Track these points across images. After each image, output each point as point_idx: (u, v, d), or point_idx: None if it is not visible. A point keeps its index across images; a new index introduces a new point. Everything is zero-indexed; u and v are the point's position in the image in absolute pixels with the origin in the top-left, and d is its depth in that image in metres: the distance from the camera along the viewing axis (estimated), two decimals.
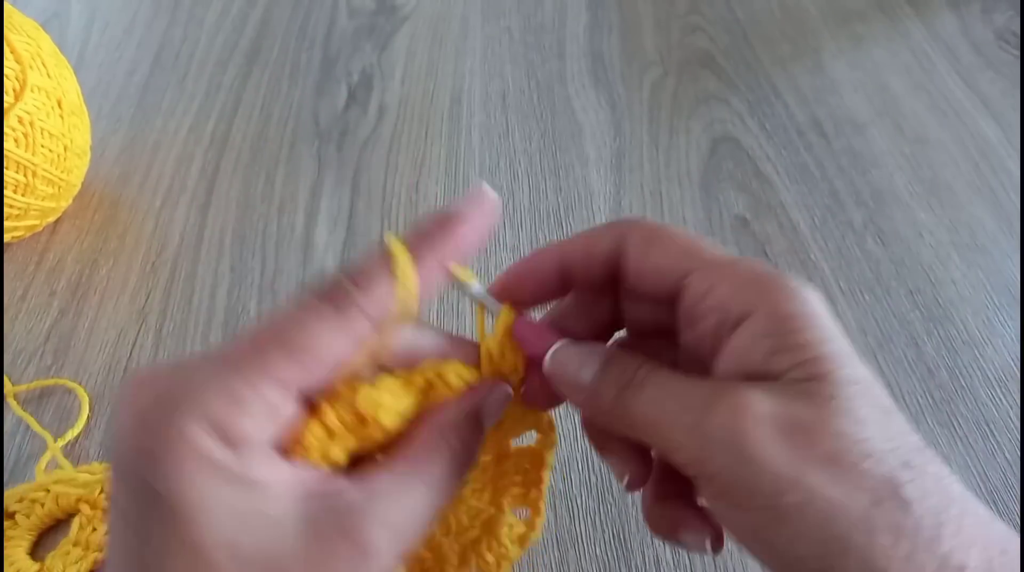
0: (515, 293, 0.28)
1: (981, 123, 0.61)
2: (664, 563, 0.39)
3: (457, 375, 0.26)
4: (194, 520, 0.19)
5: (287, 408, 0.21)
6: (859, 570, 0.20)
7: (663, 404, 0.24)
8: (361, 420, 0.23)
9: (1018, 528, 0.40)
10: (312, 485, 0.21)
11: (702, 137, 0.62)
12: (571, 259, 0.27)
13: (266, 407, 0.20)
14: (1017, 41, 0.68)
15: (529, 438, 0.31)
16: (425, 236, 0.24)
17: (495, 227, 0.25)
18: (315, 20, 0.75)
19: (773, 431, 0.21)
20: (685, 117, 0.63)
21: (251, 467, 0.20)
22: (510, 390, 0.27)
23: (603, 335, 0.30)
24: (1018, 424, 0.44)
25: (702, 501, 0.27)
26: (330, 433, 0.22)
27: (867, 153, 0.60)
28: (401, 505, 0.22)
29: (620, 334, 0.30)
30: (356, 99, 0.66)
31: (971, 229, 0.54)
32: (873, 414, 0.22)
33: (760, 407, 0.22)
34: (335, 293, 0.22)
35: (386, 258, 0.23)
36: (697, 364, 0.27)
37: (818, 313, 0.23)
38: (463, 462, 0.25)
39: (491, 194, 0.25)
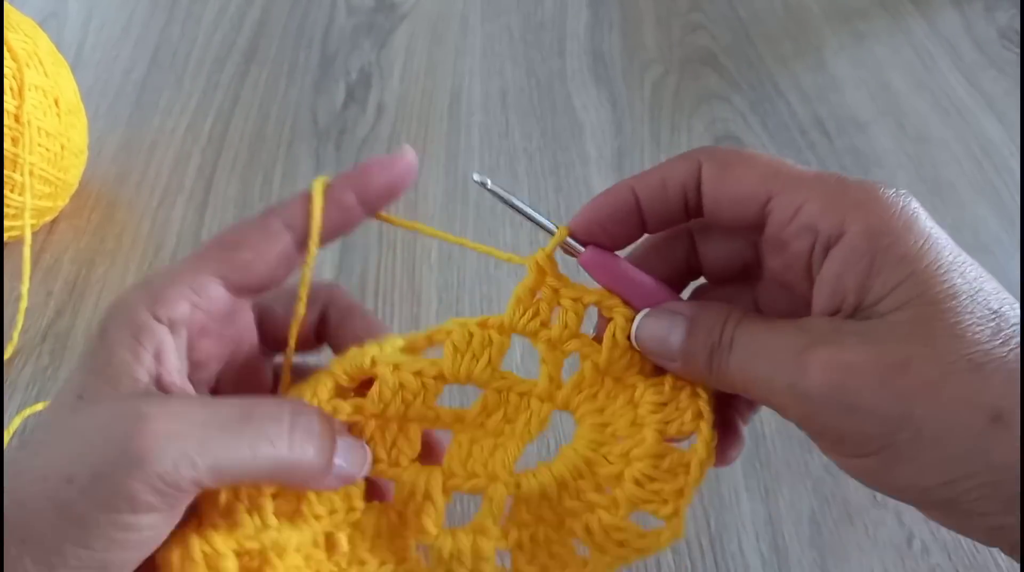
0: (594, 234, 0.27)
1: (984, 122, 0.61)
2: (665, 565, 0.39)
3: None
4: (92, 351, 0.24)
5: (210, 287, 0.25)
6: (984, 489, 0.20)
7: (756, 365, 0.23)
8: None
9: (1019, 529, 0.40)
10: (165, 379, 0.24)
11: (704, 136, 0.61)
12: (647, 194, 0.26)
13: (188, 280, 0.25)
14: (1019, 39, 0.68)
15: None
16: (341, 175, 0.27)
17: (413, 184, 0.29)
18: (313, 18, 0.74)
19: (872, 376, 0.21)
20: (687, 115, 0.63)
21: (148, 336, 0.24)
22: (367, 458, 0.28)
23: (679, 284, 0.29)
24: None
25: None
26: None
27: (869, 152, 0.59)
28: (199, 426, 0.22)
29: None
30: (355, 98, 0.66)
31: (974, 229, 0.54)
32: (979, 322, 0.21)
33: (855, 356, 0.21)
34: (262, 211, 0.26)
35: (307, 192, 0.27)
36: (785, 295, 0.26)
37: (912, 221, 0.22)
38: (300, 440, 0.24)
39: (408, 153, 0.28)
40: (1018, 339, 0.21)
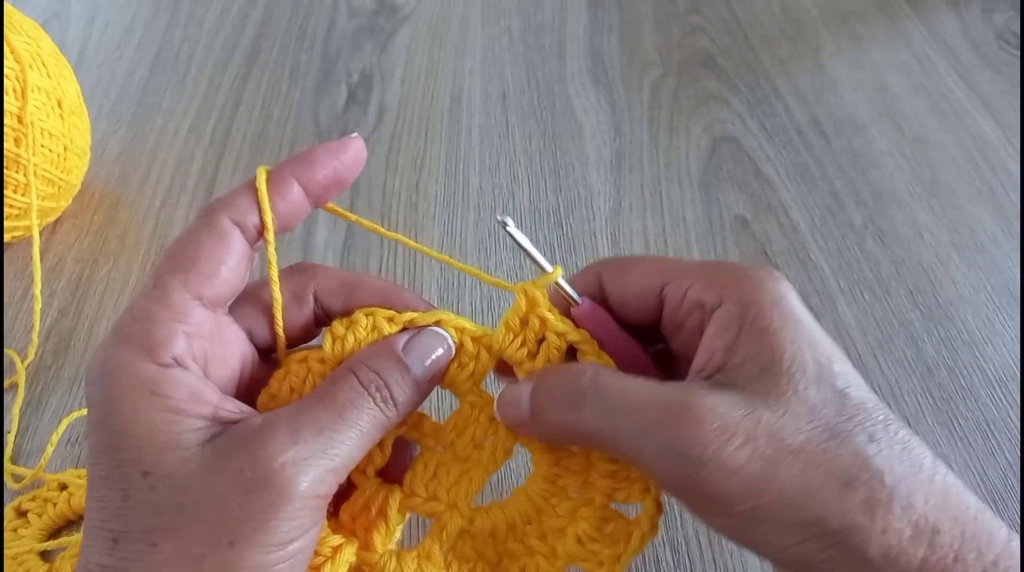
0: None
1: (981, 123, 0.61)
2: (664, 563, 0.39)
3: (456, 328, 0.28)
4: (115, 428, 0.22)
5: (194, 311, 0.24)
6: (839, 551, 0.21)
7: (614, 420, 0.24)
8: None
9: (1018, 528, 0.40)
10: (222, 413, 0.24)
11: (702, 137, 0.62)
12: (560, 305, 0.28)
13: (171, 313, 0.23)
14: (1017, 41, 0.68)
15: None
16: (286, 162, 0.26)
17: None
18: (315, 20, 0.75)
19: (737, 438, 0.22)
20: (685, 117, 0.63)
21: (170, 385, 0.23)
22: (440, 330, 0.27)
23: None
24: (1018, 424, 0.44)
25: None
26: None
27: (867, 153, 0.60)
28: (302, 428, 0.23)
29: None
30: (356, 99, 0.66)
31: (971, 229, 0.54)
32: (826, 399, 0.22)
33: (719, 415, 0.22)
34: (205, 212, 0.25)
35: (251, 182, 0.25)
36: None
37: (779, 300, 0.24)
38: (378, 393, 0.25)
39: (357, 140, 0.27)
40: (861, 416, 0.22)
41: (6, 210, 0.50)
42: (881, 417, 0.23)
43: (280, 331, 0.28)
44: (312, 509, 0.22)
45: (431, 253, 0.30)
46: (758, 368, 0.23)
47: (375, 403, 0.24)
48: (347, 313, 0.28)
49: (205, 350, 0.24)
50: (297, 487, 0.21)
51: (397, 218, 0.57)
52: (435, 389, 0.29)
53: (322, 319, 0.29)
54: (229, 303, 0.26)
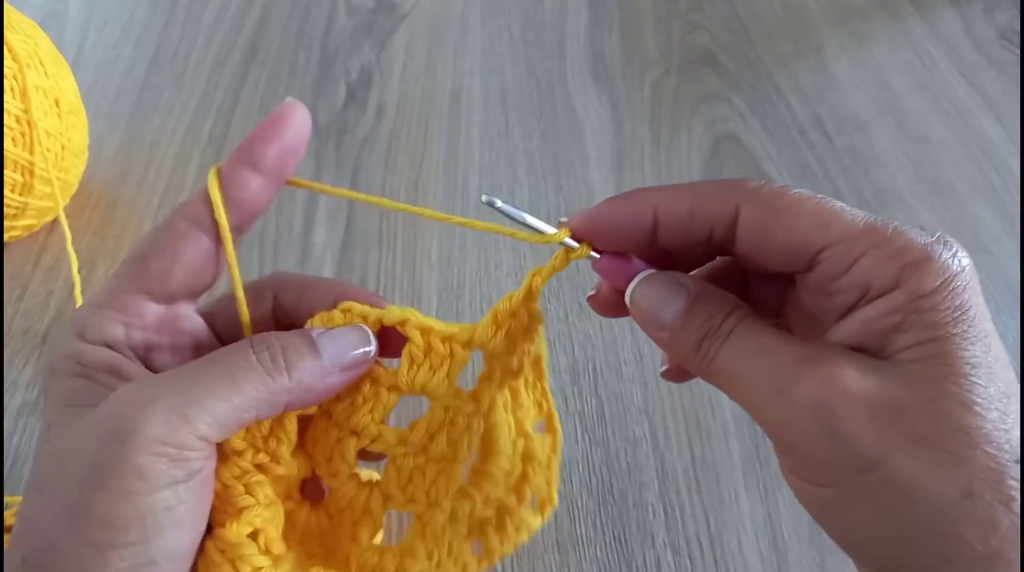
0: (598, 238, 0.26)
1: (983, 122, 0.61)
2: (665, 564, 0.39)
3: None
4: (47, 391, 0.25)
5: (138, 305, 0.25)
6: (934, 559, 0.19)
7: (749, 361, 0.22)
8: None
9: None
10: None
11: (704, 136, 0.61)
12: (669, 219, 0.25)
13: (113, 303, 0.25)
14: (1019, 40, 0.68)
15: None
16: (234, 152, 0.26)
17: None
18: (314, 18, 0.75)
19: (863, 407, 0.20)
20: (686, 116, 0.63)
21: (91, 357, 0.24)
22: (366, 328, 0.26)
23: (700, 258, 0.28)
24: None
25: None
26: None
27: (869, 152, 0.60)
28: (165, 376, 0.23)
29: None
30: (355, 98, 0.66)
31: (974, 229, 0.54)
32: (990, 400, 0.20)
33: (854, 382, 0.20)
34: (167, 216, 0.26)
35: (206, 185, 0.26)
36: (807, 317, 0.25)
37: (958, 292, 0.21)
38: (266, 352, 0.24)
39: (294, 107, 0.25)
40: (1018, 431, 0.20)
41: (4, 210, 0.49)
42: None
43: (246, 325, 0.28)
44: (169, 458, 0.21)
45: (395, 205, 0.29)
46: (921, 355, 0.21)
47: (258, 359, 0.24)
48: (304, 311, 0.28)
49: (148, 340, 0.26)
50: (144, 431, 0.21)
51: (396, 217, 0.56)
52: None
53: (280, 316, 0.29)
54: (195, 296, 0.27)
